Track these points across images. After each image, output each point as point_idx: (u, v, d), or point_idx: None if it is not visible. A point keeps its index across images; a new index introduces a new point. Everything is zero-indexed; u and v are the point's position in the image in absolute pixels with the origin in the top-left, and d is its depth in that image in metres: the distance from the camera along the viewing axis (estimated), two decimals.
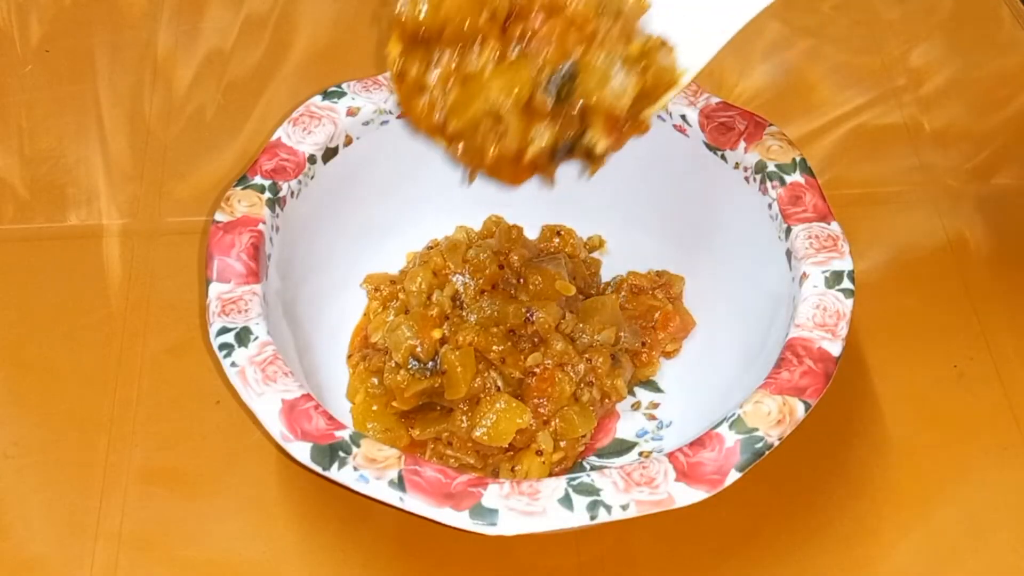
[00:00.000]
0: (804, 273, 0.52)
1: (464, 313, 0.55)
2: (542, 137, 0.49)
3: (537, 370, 0.54)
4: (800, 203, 0.54)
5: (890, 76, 0.71)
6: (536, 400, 0.53)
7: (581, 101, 0.49)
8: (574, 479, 0.46)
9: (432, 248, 0.60)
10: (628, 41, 0.49)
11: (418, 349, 0.54)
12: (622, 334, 0.57)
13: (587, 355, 0.55)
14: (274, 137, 0.57)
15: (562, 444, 0.54)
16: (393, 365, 0.54)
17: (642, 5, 0.50)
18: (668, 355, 0.59)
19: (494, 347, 0.53)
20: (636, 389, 0.58)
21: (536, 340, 0.54)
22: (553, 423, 0.54)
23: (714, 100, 0.58)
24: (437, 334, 0.54)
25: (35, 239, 0.65)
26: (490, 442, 0.52)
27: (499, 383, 0.53)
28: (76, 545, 0.54)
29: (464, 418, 0.53)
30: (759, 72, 0.71)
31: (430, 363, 0.54)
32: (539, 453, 0.53)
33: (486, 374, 0.53)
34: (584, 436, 0.55)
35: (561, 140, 0.50)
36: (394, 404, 0.54)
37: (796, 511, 0.54)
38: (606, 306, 0.57)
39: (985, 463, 0.56)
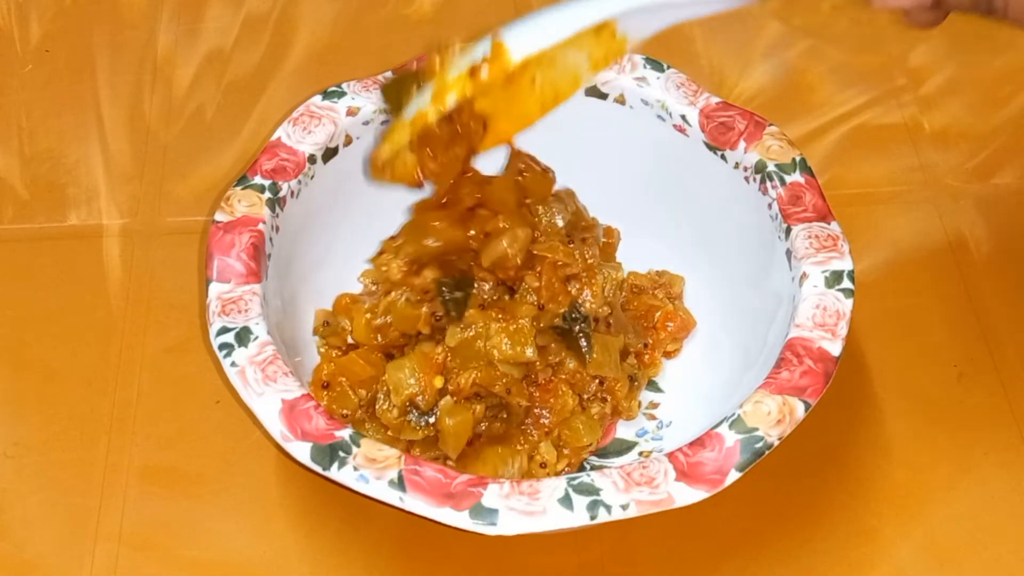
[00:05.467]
0: (804, 273, 0.52)
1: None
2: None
3: (541, 380, 0.53)
4: (800, 203, 0.54)
5: (890, 76, 0.71)
6: (537, 411, 0.53)
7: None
8: (574, 479, 0.46)
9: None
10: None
11: (419, 399, 0.52)
12: (627, 338, 0.56)
13: (599, 377, 0.54)
14: (274, 137, 0.57)
15: (566, 451, 0.54)
16: (383, 399, 0.52)
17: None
18: (668, 355, 0.59)
19: (499, 381, 0.52)
20: None
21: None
22: (556, 431, 0.53)
23: (714, 100, 0.58)
24: (438, 383, 0.52)
25: (35, 239, 0.65)
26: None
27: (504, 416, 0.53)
28: (76, 545, 0.54)
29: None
30: (759, 72, 0.71)
31: (427, 416, 0.52)
32: (543, 466, 0.53)
33: (482, 426, 0.52)
34: (589, 445, 0.54)
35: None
36: (389, 434, 0.53)
37: (796, 511, 0.54)
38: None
39: (985, 463, 0.56)
